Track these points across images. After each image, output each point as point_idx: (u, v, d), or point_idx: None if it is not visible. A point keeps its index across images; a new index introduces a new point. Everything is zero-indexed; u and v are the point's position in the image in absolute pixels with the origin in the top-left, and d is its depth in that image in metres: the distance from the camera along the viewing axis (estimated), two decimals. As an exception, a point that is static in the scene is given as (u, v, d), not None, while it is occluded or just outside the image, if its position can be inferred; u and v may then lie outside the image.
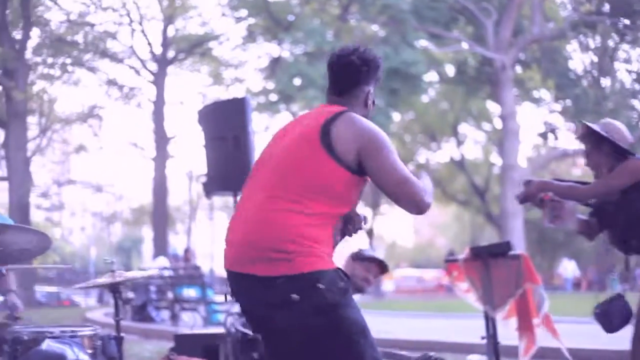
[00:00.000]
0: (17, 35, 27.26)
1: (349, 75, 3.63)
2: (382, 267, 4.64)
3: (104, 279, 4.49)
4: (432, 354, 5.44)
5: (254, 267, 3.35)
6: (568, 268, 37.94)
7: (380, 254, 5.33)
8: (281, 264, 3.30)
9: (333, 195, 3.39)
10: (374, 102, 3.72)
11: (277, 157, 3.49)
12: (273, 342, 3.50)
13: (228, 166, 6.83)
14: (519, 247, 21.15)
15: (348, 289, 3.38)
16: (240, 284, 3.46)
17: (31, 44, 28.50)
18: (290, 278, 3.29)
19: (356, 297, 3.61)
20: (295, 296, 3.26)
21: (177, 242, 38.01)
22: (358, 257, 4.59)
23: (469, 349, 10.01)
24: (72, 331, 4.36)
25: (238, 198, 7.03)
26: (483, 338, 5.20)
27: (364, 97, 3.65)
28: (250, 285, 3.40)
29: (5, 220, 4.88)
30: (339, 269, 3.39)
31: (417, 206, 3.40)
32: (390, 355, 4.78)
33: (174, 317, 16.03)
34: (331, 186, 3.38)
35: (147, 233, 49.50)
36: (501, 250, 5.01)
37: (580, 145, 4.77)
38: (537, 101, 33.47)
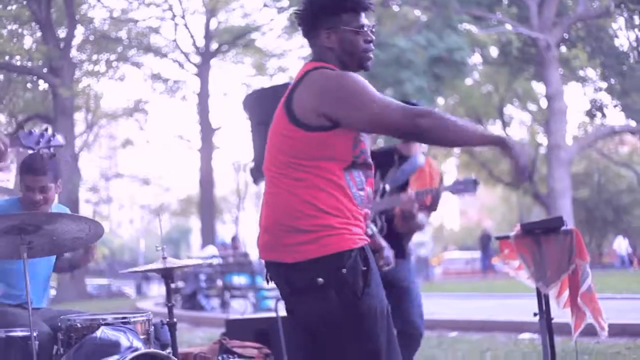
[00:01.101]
0: (62, 33, 27.52)
1: (301, 22, 3.40)
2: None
3: (157, 265, 4.54)
4: None
5: (274, 254, 3.30)
6: (622, 245, 37.52)
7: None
8: (300, 248, 3.20)
9: (319, 158, 3.22)
10: (367, 39, 3.35)
11: (270, 134, 3.41)
12: (297, 330, 3.44)
13: (275, 152, 6.85)
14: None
15: (369, 271, 3.23)
16: (269, 271, 3.41)
17: (76, 41, 28.79)
18: (312, 262, 3.18)
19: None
20: (320, 280, 3.16)
21: (224, 232, 38.23)
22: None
23: (520, 327, 9.98)
24: (126, 318, 4.40)
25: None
26: (536, 315, 5.16)
27: (329, 41, 3.33)
28: (275, 272, 3.36)
29: (63, 210, 4.96)
30: (362, 247, 3.24)
31: (412, 133, 3.18)
32: None
33: (224, 305, 16.16)
34: (310, 152, 3.22)
35: (194, 224, 49.88)
36: (553, 226, 4.96)
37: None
38: (582, 80, 33.09)
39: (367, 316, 3.22)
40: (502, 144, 3.21)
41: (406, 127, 3.15)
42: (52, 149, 4.31)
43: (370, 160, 3.37)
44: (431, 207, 5.51)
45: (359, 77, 3.25)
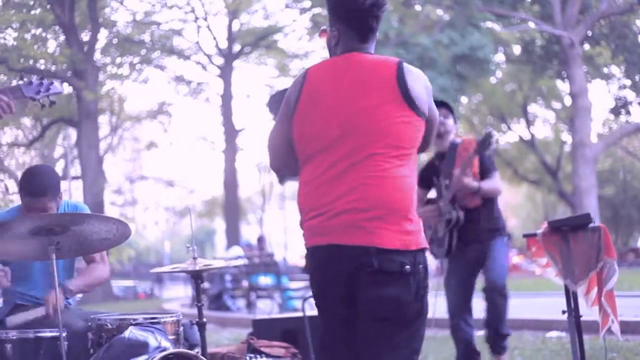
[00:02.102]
0: (86, 37, 27.69)
1: (377, 17, 3.45)
2: None
3: (187, 265, 4.55)
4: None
5: (367, 237, 3.25)
6: (647, 242, 37.24)
7: None
8: (404, 237, 3.29)
9: (415, 145, 3.41)
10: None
11: (352, 117, 3.34)
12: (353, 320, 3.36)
13: (300, 152, 6.86)
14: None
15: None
16: (335, 255, 3.32)
17: (99, 45, 28.97)
18: (407, 251, 3.28)
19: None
20: (407, 267, 3.26)
21: (249, 233, 38.31)
22: None
23: (548, 325, 9.92)
24: (155, 318, 4.42)
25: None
26: (564, 312, 5.13)
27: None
28: (351, 256, 3.27)
29: (84, 210, 4.97)
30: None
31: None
32: None
33: (250, 305, 16.18)
34: (414, 137, 3.40)
35: (219, 225, 49.98)
36: (581, 223, 4.94)
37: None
38: (607, 77, 32.88)
39: (424, 315, 3.37)
40: None
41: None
42: (51, 97, 4.30)
43: None
44: (483, 168, 6.13)
45: None
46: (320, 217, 3.33)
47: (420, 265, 3.30)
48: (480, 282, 6.23)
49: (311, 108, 3.42)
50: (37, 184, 4.64)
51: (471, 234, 6.18)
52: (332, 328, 3.44)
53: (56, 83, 4.32)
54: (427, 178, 6.33)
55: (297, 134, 3.45)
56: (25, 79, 4.22)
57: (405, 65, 3.39)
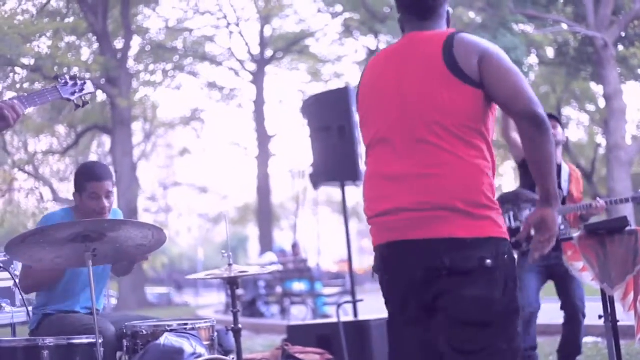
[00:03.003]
0: (119, 44, 27.91)
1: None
2: None
3: (222, 272, 4.56)
4: None
5: (436, 229, 3.03)
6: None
7: None
8: (477, 223, 3.03)
9: (482, 121, 3.13)
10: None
11: (404, 99, 3.18)
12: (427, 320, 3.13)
13: (334, 157, 6.86)
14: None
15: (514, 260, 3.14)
16: (403, 253, 3.12)
17: (132, 52, 29.19)
18: (482, 240, 3.03)
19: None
20: (489, 261, 3.01)
21: (282, 239, 38.36)
22: None
23: (584, 330, 9.80)
24: (190, 324, 4.43)
25: (345, 188, 7.10)
26: (601, 317, 5.08)
27: (447, 18, 3.38)
28: (421, 252, 3.06)
29: (118, 215, 5.01)
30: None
31: (534, 125, 3.03)
32: None
33: (284, 311, 16.19)
34: (480, 114, 3.13)
35: (252, 231, 50.09)
36: (618, 226, 4.89)
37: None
38: (641, 78, 32.59)
39: (517, 310, 3.12)
40: (547, 203, 3.14)
41: (532, 115, 3.04)
42: (84, 97, 4.34)
43: None
44: None
45: None
46: (385, 214, 3.16)
47: (505, 256, 3.06)
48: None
49: (368, 95, 3.33)
50: (102, 169, 4.85)
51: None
52: (406, 333, 3.19)
53: (88, 83, 4.37)
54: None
55: (360, 124, 3.40)
56: (60, 80, 4.26)
57: (457, 35, 3.18)
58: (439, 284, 3.05)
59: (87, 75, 25.72)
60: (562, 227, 6.17)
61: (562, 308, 6.29)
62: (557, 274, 6.16)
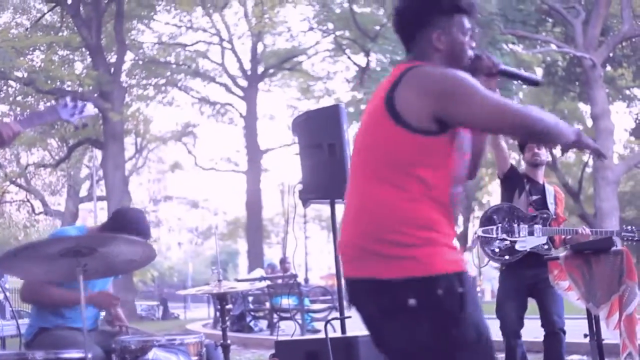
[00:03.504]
0: (112, 58, 27.94)
1: (405, 19, 3.14)
2: None
3: (212, 287, 4.60)
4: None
5: (364, 269, 2.93)
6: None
7: None
8: (398, 263, 2.86)
9: (421, 165, 2.93)
10: (472, 46, 3.13)
11: (360, 138, 3.09)
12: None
13: (324, 174, 6.86)
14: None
15: (466, 294, 2.88)
16: (352, 290, 3.05)
17: (125, 66, 29.22)
18: (406, 281, 2.85)
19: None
20: (412, 301, 2.83)
21: (271, 254, 38.34)
22: None
23: (569, 348, 9.84)
24: (178, 339, 4.45)
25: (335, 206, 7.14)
26: (586, 336, 5.13)
27: (440, 42, 3.07)
28: (360, 291, 2.99)
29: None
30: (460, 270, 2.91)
31: (528, 132, 2.99)
32: None
33: (272, 326, 16.17)
34: (412, 157, 2.92)
35: (242, 246, 50.05)
36: (604, 246, 4.94)
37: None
38: (628, 99, 32.79)
39: (462, 347, 2.88)
40: (579, 143, 3.13)
41: (524, 127, 2.95)
42: (84, 119, 4.34)
43: (465, 173, 3.10)
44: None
45: (469, 77, 2.99)
46: (340, 245, 3.10)
47: (440, 292, 2.84)
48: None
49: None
50: (146, 224, 4.89)
51: (534, 261, 6.32)
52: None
53: (89, 105, 4.37)
54: (511, 183, 6.50)
55: None
56: (60, 101, 4.27)
57: (411, 71, 2.99)
58: (375, 324, 3.01)
59: (80, 89, 25.80)
60: (546, 247, 6.30)
61: (541, 325, 6.35)
62: (536, 291, 6.25)
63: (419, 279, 2.85)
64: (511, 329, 6.25)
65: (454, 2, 3.09)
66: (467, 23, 3.14)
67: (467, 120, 2.93)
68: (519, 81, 3.59)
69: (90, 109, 4.36)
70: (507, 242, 6.46)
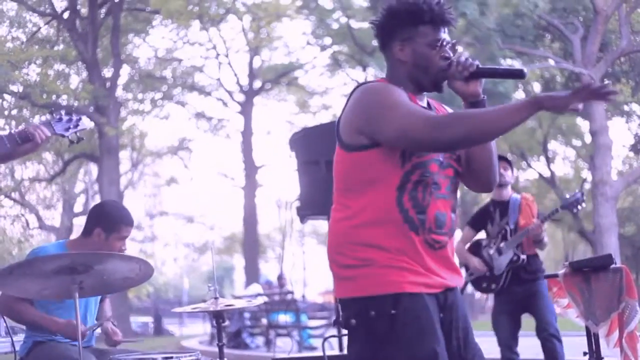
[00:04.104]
0: (108, 73, 27.93)
1: (376, 35, 3.13)
2: None
3: (209, 305, 4.56)
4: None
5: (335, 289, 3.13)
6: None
7: None
8: (342, 284, 3.02)
9: (363, 182, 2.97)
10: (444, 56, 3.06)
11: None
12: None
13: (321, 191, 6.85)
14: (616, 264, 20.77)
15: (399, 316, 2.88)
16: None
17: (121, 80, 29.22)
18: (350, 300, 2.99)
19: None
20: (353, 321, 2.96)
21: (268, 270, 38.27)
22: None
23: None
24: (174, 357, 4.40)
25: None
26: (585, 354, 5.09)
27: (402, 54, 3.05)
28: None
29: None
30: (401, 292, 2.89)
31: (429, 146, 2.86)
32: None
33: (269, 343, 16.12)
34: (353, 176, 3.00)
35: (238, 261, 49.98)
36: (603, 264, 4.91)
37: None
38: (627, 115, 32.84)
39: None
40: (537, 105, 3.02)
41: (436, 140, 2.83)
42: (79, 133, 4.32)
43: (436, 177, 3.00)
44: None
45: (395, 90, 2.96)
46: None
47: (372, 313, 2.90)
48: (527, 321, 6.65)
49: None
50: (128, 211, 4.89)
51: (523, 275, 6.78)
52: None
53: (84, 119, 4.36)
54: (480, 221, 7.04)
55: None
56: (55, 115, 4.24)
57: (356, 89, 3.05)
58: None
59: (76, 104, 25.78)
60: (515, 258, 6.71)
61: (536, 334, 6.65)
62: (528, 305, 6.67)
63: (357, 299, 2.94)
64: (506, 344, 6.55)
65: (414, 13, 3.03)
66: (434, 34, 3.08)
67: (380, 140, 2.92)
68: (502, 78, 3.55)
69: (86, 123, 4.34)
70: (487, 273, 6.95)
